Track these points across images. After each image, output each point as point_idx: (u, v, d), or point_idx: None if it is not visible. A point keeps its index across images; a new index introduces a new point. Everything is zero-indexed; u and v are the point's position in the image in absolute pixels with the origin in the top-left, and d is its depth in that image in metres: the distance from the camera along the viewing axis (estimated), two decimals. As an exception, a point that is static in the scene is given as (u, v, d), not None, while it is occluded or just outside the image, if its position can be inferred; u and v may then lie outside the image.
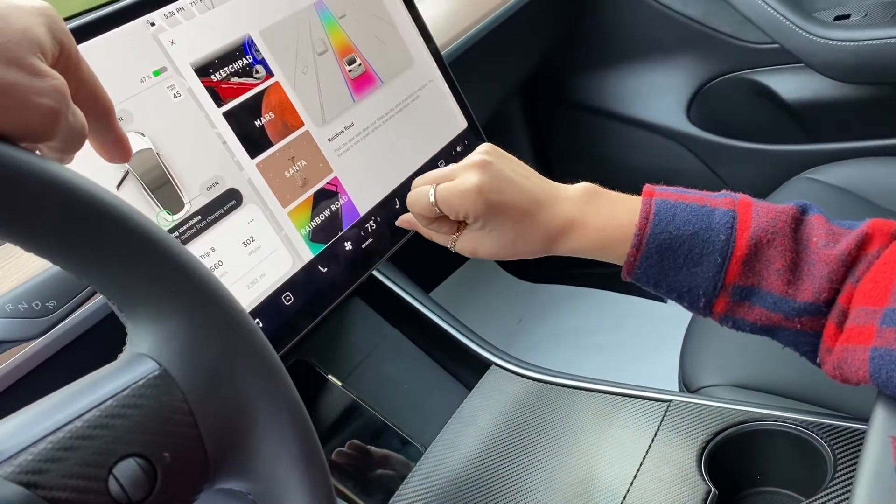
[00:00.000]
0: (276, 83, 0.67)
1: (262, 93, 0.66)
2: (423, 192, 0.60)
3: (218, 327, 0.37)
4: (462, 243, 0.61)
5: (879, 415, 0.50)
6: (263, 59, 0.66)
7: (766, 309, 0.53)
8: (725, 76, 1.34)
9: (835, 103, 1.23)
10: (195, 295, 0.36)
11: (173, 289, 0.36)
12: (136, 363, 0.35)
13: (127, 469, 0.32)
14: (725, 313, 0.55)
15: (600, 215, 0.57)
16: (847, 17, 1.19)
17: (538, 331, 1.51)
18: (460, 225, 0.61)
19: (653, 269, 0.55)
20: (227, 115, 0.63)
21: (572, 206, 0.57)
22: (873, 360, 0.47)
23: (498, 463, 0.70)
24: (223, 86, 0.63)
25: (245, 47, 0.65)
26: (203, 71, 0.62)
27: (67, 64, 0.36)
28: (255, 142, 0.65)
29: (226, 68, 0.64)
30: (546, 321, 1.52)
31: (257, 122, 0.65)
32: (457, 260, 1.63)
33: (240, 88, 0.64)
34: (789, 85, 1.27)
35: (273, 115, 0.66)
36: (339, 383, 0.81)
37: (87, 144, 0.36)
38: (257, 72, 0.66)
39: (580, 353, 1.43)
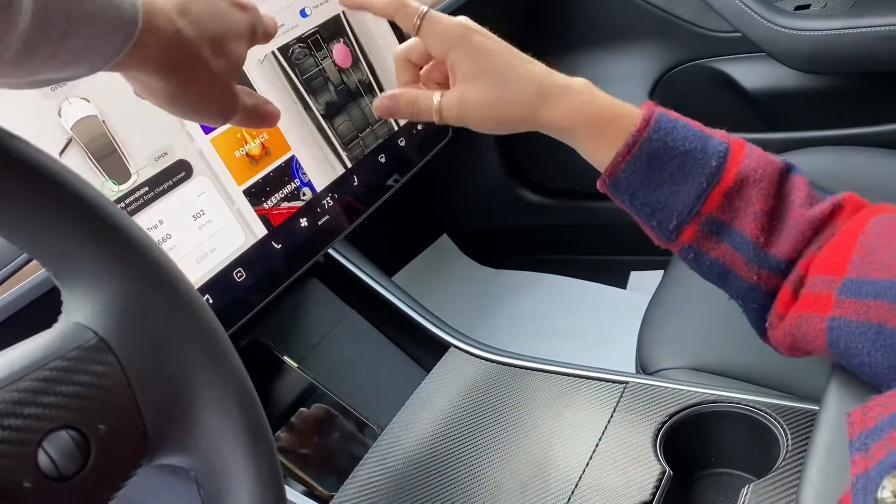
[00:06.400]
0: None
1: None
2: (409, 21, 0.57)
3: (160, 296, 0.35)
4: (448, 97, 0.55)
5: (833, 393, 0.50)
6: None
7: (733, 248, 0.53)
8: (687, 64, 1.34)
9: (795, 93, 1.24)
10: (135, 261, 0.35)
11: (111, 254, 0.34)
12: (70, 331, 0.33)
13: (58, 442, 0.31)
14: (691, 243, 0.54)
15: (603, 98, 0.55)
16: (807, 6, 1.20)
17: (499, 316, 1.50)
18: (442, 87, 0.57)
19: (637, 175, 0.53)
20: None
21: (573, 80, 0.55)
22: (831, 331, 0.47)
23: (454, 444, 0.69)
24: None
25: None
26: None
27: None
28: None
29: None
30: (507, 306, 1.52)
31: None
32: (419, 244, 1.61)
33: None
34: (750, 74, 1.28)
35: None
36: (296, 365, 0.80)
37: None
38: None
39: (540, 338, 1.43)
